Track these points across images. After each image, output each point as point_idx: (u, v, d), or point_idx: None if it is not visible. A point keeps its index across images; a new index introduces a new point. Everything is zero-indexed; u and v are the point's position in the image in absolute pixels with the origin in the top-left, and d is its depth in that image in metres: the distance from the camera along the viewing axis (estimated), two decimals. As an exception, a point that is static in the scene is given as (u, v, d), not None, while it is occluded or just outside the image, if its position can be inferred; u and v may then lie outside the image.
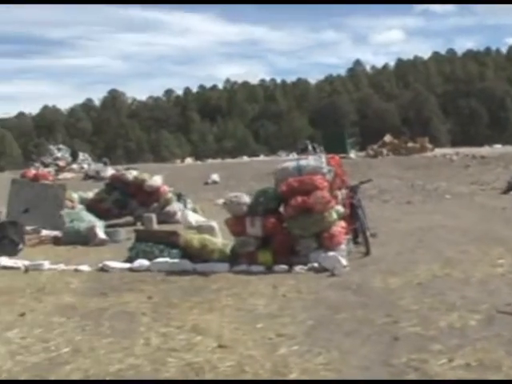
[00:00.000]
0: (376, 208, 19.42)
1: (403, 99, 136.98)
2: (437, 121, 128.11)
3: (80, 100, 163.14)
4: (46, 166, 49.08)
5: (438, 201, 22.27)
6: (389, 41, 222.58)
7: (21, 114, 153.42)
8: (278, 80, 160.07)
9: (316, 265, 10.86)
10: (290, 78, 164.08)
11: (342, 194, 12.60)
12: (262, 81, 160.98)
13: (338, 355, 6.56)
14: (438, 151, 41.23)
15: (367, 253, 12.06)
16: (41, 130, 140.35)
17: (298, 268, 10.85)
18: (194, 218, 16.33)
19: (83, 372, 6.52)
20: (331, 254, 10.93)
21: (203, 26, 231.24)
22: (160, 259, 12.05)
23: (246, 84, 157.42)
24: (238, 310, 8.66)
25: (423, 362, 6.27)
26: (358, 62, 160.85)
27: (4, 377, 6.55)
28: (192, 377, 6.26)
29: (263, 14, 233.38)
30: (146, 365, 6.62)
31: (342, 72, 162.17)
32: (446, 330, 7.26)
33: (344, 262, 10.85)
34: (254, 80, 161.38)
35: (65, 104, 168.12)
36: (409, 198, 23.11)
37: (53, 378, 6.45)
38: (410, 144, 41.91)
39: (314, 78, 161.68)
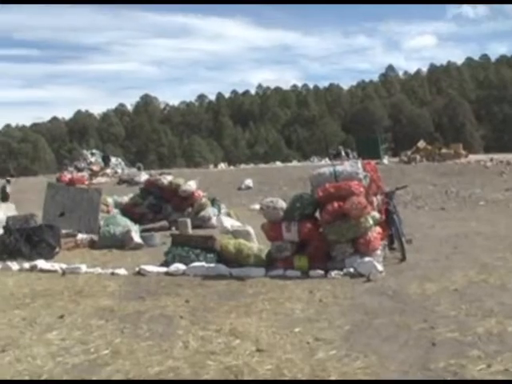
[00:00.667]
0: (410, 214, 19.41)
1: (436, 105, 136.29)
2: (470, 127, 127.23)
3: (113, 105, 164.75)
4: (79, 170, 49.55)
5: (472, 207, 22.18)
6: (421, 46, 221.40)
7: (54, 119, 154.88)
8: (311, 85, 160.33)
9: (352, 270, 10.89)
10: (323, 84, 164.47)
11: (377, 199, 12.59)
12: (295, 86, 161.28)
13: (376, 360, 6.59)
14: (472, 157, 40.90)
15: (403, 259, 12.05)
16: (74, 135, 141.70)
17: (333, 273, 10.88)
18: (230, 223, 16.43)
19: (124, 374, 6.63)
20: (367, 259, 10.94)
21: (236, 31, 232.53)
22: (196, 263, 12.12)
23: (278, 89, 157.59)
24: (276, 314, 8.71)
25: (461, 367, 6.29)
26: (390, 68, 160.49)
27: (45, 377, 6.67)
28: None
29: (295, 20, 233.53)
30: (186, 367, 6.70)
31: (375, 77, 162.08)
32: (484, 336, 7.25)
33: (380, 267, 10.86)
34: (286, 85, 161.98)
35: (98, 109, 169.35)
36: (443, 205, 23.06)
37: (94, 379, 6.57)
38: (444, 150, 41.55)
39: (346, 84, 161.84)
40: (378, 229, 11.88)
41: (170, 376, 6.50)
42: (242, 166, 59.05)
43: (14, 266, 13.64)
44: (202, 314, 8.89)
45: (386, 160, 41.05)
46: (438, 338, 7.20)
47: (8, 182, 28.78)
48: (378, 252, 11.55)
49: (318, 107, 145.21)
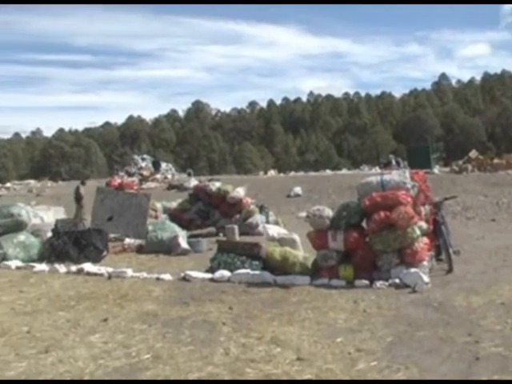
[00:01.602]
0: (459, 225, 19.19)
1: (489, 114, 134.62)
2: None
3: (165, 111, 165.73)
4: (130, 175, 49.97)
5: (524, 219, 21.81)
6: (474, 55, 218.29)
7: (106, 124, 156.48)
8: (362, 93, 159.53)
9: (397, 281, 10.77)
10: (374, 92, 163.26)
11: (425, 209, 12.46)
12: (346, 94, 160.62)
13: (418, 372, 6.51)
14: (525, 168, 40.25)
15: (450, 270, 11.90)
16: (125, 140, 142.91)
17: (379, 283, 10.79)
18: (276, 231, 16.41)
19: (163, 378, 6.65)
20: (413, 270, 10.82)
21: (288, 38, 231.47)
22: (241, 270, 12.13)
23: (329, 97, 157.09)
24: (318, 323, 8.66)
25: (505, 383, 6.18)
26: (443, 76, 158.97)
27: (86, 379, 6.72)
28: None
29: (347, 28, 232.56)
30: (225, 374, 6.69)
31: (427, 86, 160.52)
32: (530, 351, 7.11)
33: (426, 278, 10.72)
34: (337, 93, 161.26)
35: (150, 114, 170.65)
36: (493, 216, 22.71)
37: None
38: (496, 160, 40.96)
39: (398, 92, 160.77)
40: (426, 239, 11.75)
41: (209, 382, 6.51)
42: (292, 173, 59.05)
43: (62, 268, 13.80)
44: (245, 321, 8.88)
45: (436, 170, 40.65)
46: (481, 353, 7.08)
47: (83, 183, 29.32)
48: (425, 263, 11.41)
49: (369, 115, 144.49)
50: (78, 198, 27.49)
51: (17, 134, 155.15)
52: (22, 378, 6.83)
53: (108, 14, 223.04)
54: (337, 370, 6.68)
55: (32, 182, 62.49)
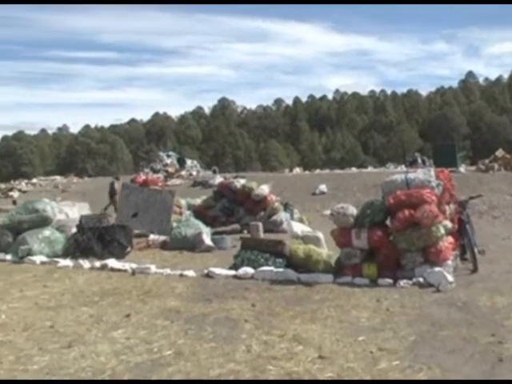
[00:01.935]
0: (485, 224, 19.05)
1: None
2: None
3: (190, 108, 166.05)
4: (155, 171, 50.10)
5: (550, 219, 21.62)
6: (501, 52, 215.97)
7: (132, 121, 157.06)
8: (388, 91, 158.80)
9: (421, 280, 10.71)
10: (400, 90, 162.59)
11: (450, 208, 12.38)
12: (372, 92, 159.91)
13: (440, 373, 6.46)
14: (552, 167, 39.88)
15: (474, 270, 11.81)
16: (151, 137, 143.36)
17: (402, 282, 10.73)
18: (300, 228, 16.38)
19: (184, 375, 6.66)
20: (437, 269, 10.75)
21: (314, 36, 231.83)
22: (265, 268, 12.12)
23: (355, 95, 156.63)
24: (341, 321, 8.63)
25: (528, 384, 6.12)
26: (470, 74, 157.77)
27: (108, 374, 6.76)
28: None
29: (373, 25, 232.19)
30: (246, 371, 6.68)
31: (454, 84, 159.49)
32: (554, 352, 7.04)
33: (450, 278, 10.64)
34: (363, 91, 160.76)
35: (175, 111, 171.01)
36: (520, 216, 22.50)
37: (154, 378, 6.61)
38: (523, 159, 40.60)
39: (424, 90, 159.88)
40: (450, 238, 11.67)
41: (230, 379, 6.50)
42: (317, 171, 58.85)
43: (86, 264, 13.88)
44: (267, 319, 8.87)
45: (462, 168, 40.30)
46: (505, 354, 7.02)
47: (117, 179, 29.73)
48: (449, 262, 11.34)
49: (395, 113, 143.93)
50: (112, 193, 27.78)
51: (43, 131, 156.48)
52: (45, 371, 6.88)
53: (134, 11, 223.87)
54: (358, 368, 6.65)
55: (58, 178, 62.97)
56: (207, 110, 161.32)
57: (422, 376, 6.38)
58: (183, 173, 50.62)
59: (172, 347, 7.60)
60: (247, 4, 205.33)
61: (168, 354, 7.34)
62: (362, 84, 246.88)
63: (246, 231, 18.76)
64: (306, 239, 13.61)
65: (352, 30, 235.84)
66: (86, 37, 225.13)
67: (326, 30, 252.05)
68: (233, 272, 12.28)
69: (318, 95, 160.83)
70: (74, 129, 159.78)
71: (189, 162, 58.41)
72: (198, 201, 22.89)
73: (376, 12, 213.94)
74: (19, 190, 46.52)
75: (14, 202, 33.89)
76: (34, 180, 58.95)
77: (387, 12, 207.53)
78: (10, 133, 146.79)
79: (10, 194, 44.09)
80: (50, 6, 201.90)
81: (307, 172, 56.76)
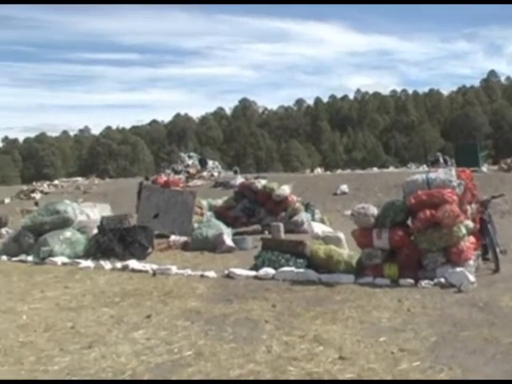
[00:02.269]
0: (507, 224, 18.89)
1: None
2: None
3: (211, 109, 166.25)
4: (177, 172, 50.17)
5: None
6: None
7: (154, 122, 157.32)
8: (410, 91, 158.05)
9: (443, 280, 10.65)
10: (422, 89, 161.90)
11: (472, 208, 12.29)
12: (393, 91, 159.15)
13: (461, 373, 6.43)
14: None
15: (496, 270, 11.73)
16: (172, 138, 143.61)
17: (424, 283, 10.68)
18: (321, 229, 16.37)
19: (204, 375, 6.67)
20: (459, 269, 10.69)
21: (334, 36, 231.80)
22: (285, 268, 12.11)
23: (376, 94, 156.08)
24: (361, 322, 8.60)
25: (550, 384, 6.07)
26: (492, 73, 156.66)
27: (128, 375, 6.80)
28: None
29: (394, 25, 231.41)
30: (267, 372, 6.68)
31: (476, 83, 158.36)
32: None
33: (472, 278, 10.58)
34: (384, 90, 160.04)
35: (197, 112, 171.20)
36: (543, 215, 22.32)
37: (174, 379, 6.63)
38: (546, 158, 40.26)
39: (446, 89, 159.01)
40: (472, 238, 11.59)
41: (251, 379, 6.50)
42: (339, 171, 58.69)
43: (107, 265, 13.95)
44: (288, 319, 8.86)
45: (484, 168, 40.07)
46: (527, 354, 6.96)
47: (147, 179, 29.93)
48: (471, 262, 11.26)
49: (417, 113, 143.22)
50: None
51: (65, 132, 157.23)
52: (65, 372, 6.93)
53: (155, 12, 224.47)
54: (379, 369, 6.62)
55: (79, 179, 63.16)
56: (228, 111, 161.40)
57: (443, 376, 6.35)
58: (204, 174, 50.63)
59: (192, 348, 7.61)
60: (266, 4, 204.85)
61: (188, 355, 7.35)
62: (384, 84, 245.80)
63: (267, 232, 18.77)
64: (326, 239, 13.58)
65: (372, 29, 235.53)
66: (108, 38, 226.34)
67: (347, 29, 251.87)
68: (253, 273, 12.29)
69: (339, 95, 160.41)
70: (96, 130, 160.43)
71: (210, 162, 58.42)
72: (219, 201, 22.90)
73: (396, 11, 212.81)
74: (41, 192, 46.69)
75: (36, 204, 34.07)
76: (56, 181, 59.12)
77: (408, 11, 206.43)
78: (32, 135, 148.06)
79: (33, 195, 44.31)
80: (72, 8, 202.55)
81: (328, 172, 56.64)
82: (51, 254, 15.12)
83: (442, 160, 46.58)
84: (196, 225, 18.14)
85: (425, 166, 51.36)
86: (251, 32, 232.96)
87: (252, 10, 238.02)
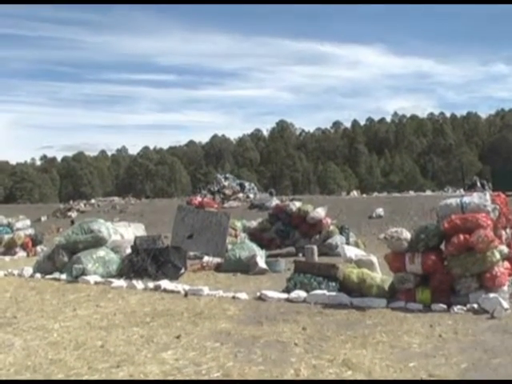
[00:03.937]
0: (544, 250, 18.63)
1: None
2: None
3: (249, 130, 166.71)
4: (213, 193, 50.28)
5: None
6: None
7: (191, 143, 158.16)
8: (447, 114, 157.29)
9: (476, 306, 10.52)
10: (460, 112, 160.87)
11: (506, 233, 12.17)
12: (431, 114, 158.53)
13: (490, 400, 6.34)
14: None
15: (531, 296, 11.58)
16: (209, 159, 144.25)
17: (456, 308, 10.56)
18: (354, 252, 16.25)
19: (232, 398, 6.63)
20: (492, 295, 10.56)
21: (372, 58, 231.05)
22: (317, 291, 12.07)
23: (414, 117, 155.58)
24: (392, 347, 8.52)
25: None
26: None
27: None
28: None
29: (431, 48, 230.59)
30: (294, 395, 6.63)
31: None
32: None
33: (505, 304, 10.43)
34: (422, 113, 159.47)
35: (234, 134, 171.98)
36: None
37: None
38: None
39: (484, 112, 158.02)
40: (506, 264, 11.45)
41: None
42: (375, 194, 58.43)
43: (139, 284, 13.99)
44: (318, 343, 8.80)
45: (523, 192, 39.69)
46: (560, 382, 6.85)
47: (188, 203, 30.28)
48: (505, 288, 11.10)
49: (454, 136, 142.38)
50: None
51: (103, 152, 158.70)
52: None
53: (193, 33, 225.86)
54: (407, 395, 6.55)
55: (116, 198, 63.46)
56: (265, 133, 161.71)
57: (471, 404, 6.27)
58: (240, 195, 50.69)
59: (220, 369, 7.57)
60: (304, 26, 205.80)
61: (216, 376, 7.32)
62: (421, 107, 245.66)
63: (300, 254, 18.74)
64: (359, 263, 13.50)
65: (409, 52, 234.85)
66: (147, 59, 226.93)
67: (384, 52, 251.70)
68: (285, 295, 12.25)
69: (376, 118, 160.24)
70: (133, 150, 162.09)
71: (246, 184, 58.49)
72: (253, 223, 22.96)
73: (433, 34, 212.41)
74: (77, 210, 47.04)
75: (72, 222, 34.31)
76: (93, 200, 59.45)
77: (445, 34, 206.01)
78: (70, 154, 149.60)
79: (69, 214, 44.64)
80: (110, 29, 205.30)
81: (364, 195, 56.43)
82: (84, 272, 15.23)
83: (479, 184, 46.31)
84: (230, 246, 18.18)
85: (462, 189, 50.97)
86: (289, 54, 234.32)
87: (289, 32, 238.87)
